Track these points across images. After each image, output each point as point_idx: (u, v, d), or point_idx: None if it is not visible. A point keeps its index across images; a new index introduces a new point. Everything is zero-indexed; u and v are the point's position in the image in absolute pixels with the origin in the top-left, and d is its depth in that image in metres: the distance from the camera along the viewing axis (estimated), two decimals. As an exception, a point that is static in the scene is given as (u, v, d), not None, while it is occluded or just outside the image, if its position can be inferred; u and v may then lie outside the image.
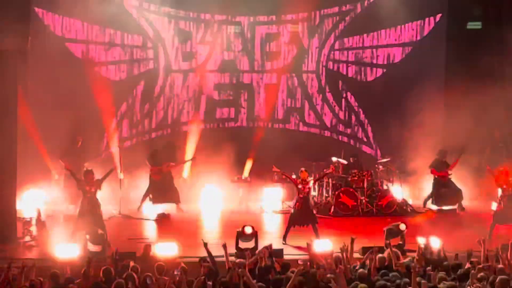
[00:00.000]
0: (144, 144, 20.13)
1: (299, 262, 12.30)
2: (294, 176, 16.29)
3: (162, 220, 17.87)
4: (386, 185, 19.14)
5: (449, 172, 18.96)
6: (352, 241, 12.94)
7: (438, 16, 20.78)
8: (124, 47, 20.08)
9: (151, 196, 18.47)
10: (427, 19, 20.82)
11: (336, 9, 20.78)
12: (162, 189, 18.45)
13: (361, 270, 11.61)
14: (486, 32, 20.52)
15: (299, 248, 15.19)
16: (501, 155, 19.86)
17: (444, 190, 19.02)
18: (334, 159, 19.17)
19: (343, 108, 21.09)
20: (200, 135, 20.22)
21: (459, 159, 19.02)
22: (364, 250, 14.33)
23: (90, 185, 15.23)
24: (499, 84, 19.60)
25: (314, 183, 17.71)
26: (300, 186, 15.84)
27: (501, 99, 19.40)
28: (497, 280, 10.65)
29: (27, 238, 15.37)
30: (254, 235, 14.70)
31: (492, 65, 19.73)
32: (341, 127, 21.13)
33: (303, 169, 16.09)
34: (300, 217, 15.84)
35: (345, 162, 19.23)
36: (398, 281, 11.05)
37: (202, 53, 20.48)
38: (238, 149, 19.87)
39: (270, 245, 13.49)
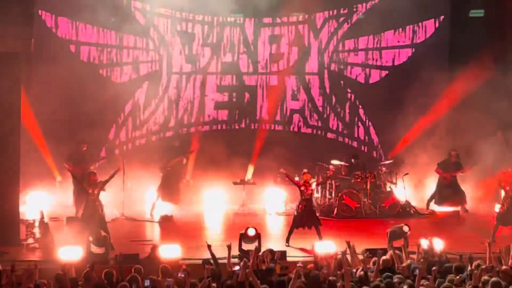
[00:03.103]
0: (147, 146, 20.15)
1: (299, 264, 12.32)
2: (297, 178, 16.29)
3: (165, 222, 17.87)
4: (389, 186, 19.13)
5: (454, 175, 18.89)
6: (349, 244, 12.93)
7: (442, 17, 20.78)
8: (128, 49, 20.09)
9: (159, 193, 18.57)
10: (430, 20, 20.82)
11: (339, 10, 20.78)
12: (167, 187, 18.50)
13: (361, 273, 11.62)
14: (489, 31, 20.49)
15: (302, 250, 15.18)
16: (504, 156, 19.83)
17: (447, 191, 19.00)
18: (335, 162, 19.19)
19: (346, 110, 21.09)
20: (203, 137, 20.23)
21: (469, 168, 18.90)
22: (367, 251, 14.34)
23: (93, 187, 15.25)
24: (503, 87, 19.57)
25: (317, 186, 17.74)
26: (302, 188, 15.84)
27: (504, 101, 19.40)
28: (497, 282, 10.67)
29: (30, 240, 15.38)
30: (257, 237, 14.70)
31: (497, 65, 19.71)
32: (344, 129, 21.12)
33: (305, 171, 16.11)
34: (303, 220, 15.83)
35: (346, 164, 19.23)
36: (402, 284, 11.05)
37: (205, 55, 20.49)
38: (241, 151, 19.88)
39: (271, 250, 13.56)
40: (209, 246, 12.71)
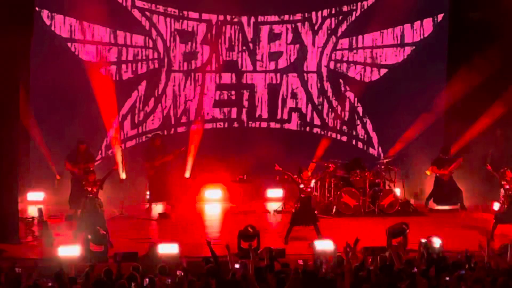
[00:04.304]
0: (146, 144, 20.13)
1: (299, 262, 12.34)
2: (295, 176, 16.27)
3: (164, 220, 17.88)
4: (388, 185, 19.14)
5: (451, 170, 18.98)
6: (356, 242, 12.86)
7: (440, 16, 20.79)
8: (126, 47, 20.09)
9: (149, 194, 18.53)
10: (429, 19, 20.82)
11: (338, 9, 20.78)
12: (157, 186, 18.48)
13: (361, 272, 11.63)
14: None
15: (301, 248, 15.19)
16: (503, 154, 19.82)
17: (445, 190, 19.05)
18: (335, 160, 19.20)
19: (344, 108, 21.09)
20: (202, 135, 20.22)
21: (462, 159, 19.05)
22: (366, 250, 14.35)
23: (92, 186, 15.28)
24: (502, 83, 19.58)
25: (316, 183, 17.74)
26: (301, 186, 15.86)
27: (503, 98, 19.42)
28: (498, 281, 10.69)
29: (29, 239, 15.38)
30: (256, 235, 14.71)
31: (495, 64, 19.70)
32: (343, 127, 21.13)
33: (304, 168, 16.12)
34: (302, 217, 15.86)
35: (345, 162, 19.25)
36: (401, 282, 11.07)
37: (204, 53, 20.48)
38: (240, 149, 19.88)
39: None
40: (208, 243, 12.69)
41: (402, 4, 19.86)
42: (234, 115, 20.83)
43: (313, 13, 20.73)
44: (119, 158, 18.81)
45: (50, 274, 11.48)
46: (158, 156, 18.49)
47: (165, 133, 20.20)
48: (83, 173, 17.12)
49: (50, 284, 10.92)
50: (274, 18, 20.64)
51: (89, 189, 15.30)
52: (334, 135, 21.10)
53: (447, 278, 11.12)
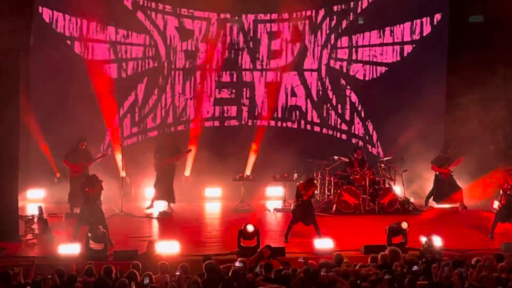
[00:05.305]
0: (146, 142, 20.14)
1: (300, 260, 12.34)
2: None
3: (164, 218, 17.87)
4: (388, 183, 19.14)
5: (451, 169, 18.99)
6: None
7: (440, 14, 20.78)
8: (127, 45, 20.09)
9: (155, 192, 18.51)
10: (428, 18, 20.81)
11: (338, 7, 20.77)
12: (162, 185, 18.45)
13: (362, 270, 11.64)
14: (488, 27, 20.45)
15: (301, 246, 15.19)
16: (503, 154, 19.84)
17: (445, 188, 19.05)
18: (335, 157, 19.19)
19: (345, 106, 21.09)
20: (202, 133, 20.23)
21: (462, 158, 19.04)
22: (367, 248, 14.36)
23: (93, 187, 15.24)
24: (502, 83, 19.58)
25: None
26: (302, 192, 15.90)
27: (503, 98, 19.41)
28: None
29: (29, 236, 15.37)
30: (256, 233, 14.71)
31: (494, 63, 19.70)
32: (343, 126, 21.13)
33: (309, 184, 16.11)
34: (302, 216, 15.85)
35: (346, 160, 19.21)
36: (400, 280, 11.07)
37: (204, 51, 20.48)
38: (240, 147, 19.88)
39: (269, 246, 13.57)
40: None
41: (402, 3, 19.85)
42: (234, 113, 20.83)
43: (314, 11, 20.72)
44: (118, 156, 18.81)
45: (50, 272, 11.47)
46: (167, 156, 18.44)
47: (165, 130, 20.21)
48: (84, 172, 17.14)
49: (49, 276, 10.93)
50: (275, 16, 20.64)
51: (90, 189, 15.26)
52: (334, 133, 21.11)
53: (447, 276, 11.13)
